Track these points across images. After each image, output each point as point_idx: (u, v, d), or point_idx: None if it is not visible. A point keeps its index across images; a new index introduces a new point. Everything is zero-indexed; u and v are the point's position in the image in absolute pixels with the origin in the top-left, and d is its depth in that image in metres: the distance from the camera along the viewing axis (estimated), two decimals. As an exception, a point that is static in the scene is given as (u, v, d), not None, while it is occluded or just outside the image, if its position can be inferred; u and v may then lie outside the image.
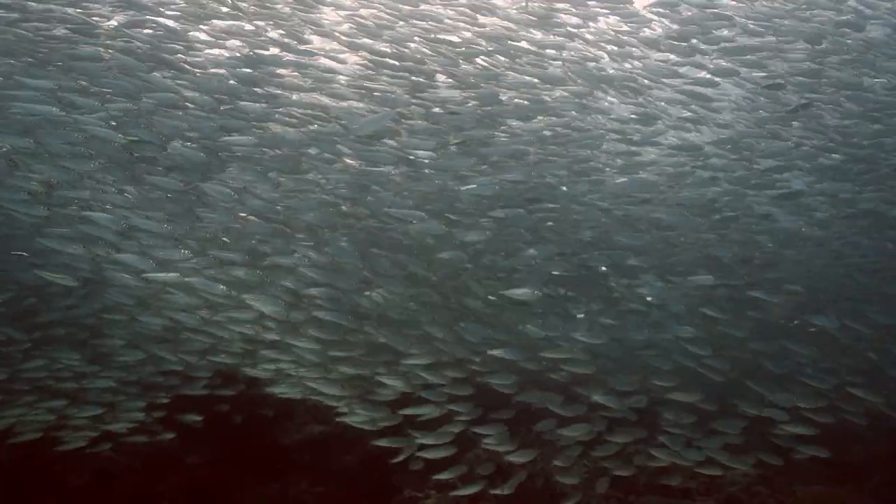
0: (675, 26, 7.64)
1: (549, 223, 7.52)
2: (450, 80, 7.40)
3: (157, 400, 8.57)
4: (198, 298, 7.12)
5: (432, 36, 7.44)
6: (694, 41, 7.62)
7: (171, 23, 7.35)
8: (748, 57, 7.75)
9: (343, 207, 7.36)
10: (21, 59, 7.04)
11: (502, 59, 7.50)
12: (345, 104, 7.39)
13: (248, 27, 7.41)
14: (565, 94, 7.51)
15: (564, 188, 7.62)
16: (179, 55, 7.25)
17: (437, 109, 7.25)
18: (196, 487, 9.29)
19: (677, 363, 7.40)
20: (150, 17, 7.30)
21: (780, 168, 7.83)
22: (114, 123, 6.81)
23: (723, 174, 7.84)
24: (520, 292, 7.23)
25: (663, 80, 7.68)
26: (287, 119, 7.15)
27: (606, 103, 7.87)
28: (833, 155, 8.00)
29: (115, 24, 7.24)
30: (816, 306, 7.70)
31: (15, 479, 8.93)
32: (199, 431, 8.90)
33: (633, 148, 7.79)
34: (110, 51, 6.98)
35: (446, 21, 7.52)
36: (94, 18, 7.19)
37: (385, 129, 6.94)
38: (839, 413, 7.24)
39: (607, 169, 7.76)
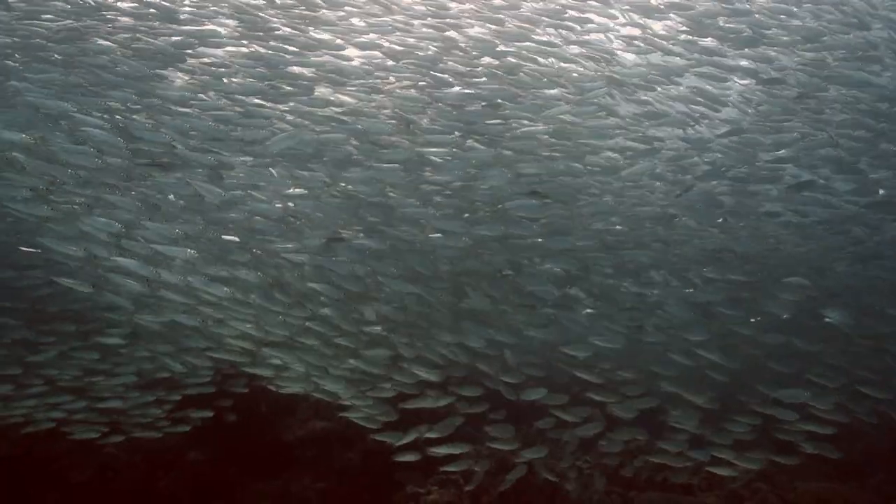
0: (687, 22, 7.65)
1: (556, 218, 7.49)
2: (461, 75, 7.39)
3: (161, 396, 8.55)
4: (201, 299, 7.08)
5: (444, 34, 7.45)
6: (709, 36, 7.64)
7: (183, 16, 7.33)
8: (748, 50, 7.74)
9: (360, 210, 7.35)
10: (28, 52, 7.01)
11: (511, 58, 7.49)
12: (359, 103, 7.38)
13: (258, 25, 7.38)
14: (575, 90, 7.50)
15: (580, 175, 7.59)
16: (188, 51, 7.23)
17: (450, 109, 7.25)
18: (198, 484, 9.30)
19: (684, 362, 7.37)
20: (159, 13, 7.27)
21: (787, 159, 7.79)
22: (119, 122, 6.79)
23: (731, 168, 7.81)
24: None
25: (675, 77, 7.67)
26: (299, 119, 7.13)
27: (609, 98, 7.83)
28: (838, 150, 7.97)
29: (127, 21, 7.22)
30: (825, 301, 7.67)
31: (17, 474, 8.95)
32: (201, 428, 8.88)
33: (633, 143, 7.78)
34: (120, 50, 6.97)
35: (463, 19, 7.54)
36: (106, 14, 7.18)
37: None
38: (848, 411, 7.20)
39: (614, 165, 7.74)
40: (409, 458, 7.70)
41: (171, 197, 7.00)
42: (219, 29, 7.39)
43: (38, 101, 6.61)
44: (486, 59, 7.48)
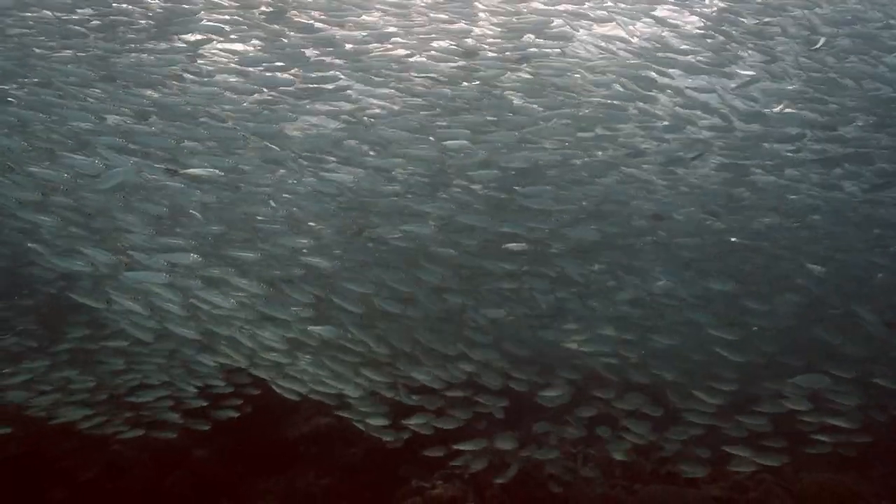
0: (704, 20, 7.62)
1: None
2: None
3: (170, 395, 8.54)
4: (204, 308, 7.05)
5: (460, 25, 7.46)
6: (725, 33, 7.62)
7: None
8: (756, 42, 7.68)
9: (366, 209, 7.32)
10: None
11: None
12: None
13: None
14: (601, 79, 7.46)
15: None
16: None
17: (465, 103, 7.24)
18: (204, 482, 9.32)
19: (697, 355, 7.36)
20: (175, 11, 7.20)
21: (795, 150, 7.75)
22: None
23: (740, 159, 7.77)
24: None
25: (686, 71, 7.63)
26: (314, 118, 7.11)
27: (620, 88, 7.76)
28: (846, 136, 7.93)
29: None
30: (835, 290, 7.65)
31: (25, 471, 8.97)
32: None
33: (643, 135, 7.73)
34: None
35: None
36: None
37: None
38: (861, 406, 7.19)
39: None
40: (397, 445, 7.78)
41: (179, 201, 6.94)
42: (233, 24, 7.32)
43: (42, 104, 6.54)
44: (501, 53, 7.43)
